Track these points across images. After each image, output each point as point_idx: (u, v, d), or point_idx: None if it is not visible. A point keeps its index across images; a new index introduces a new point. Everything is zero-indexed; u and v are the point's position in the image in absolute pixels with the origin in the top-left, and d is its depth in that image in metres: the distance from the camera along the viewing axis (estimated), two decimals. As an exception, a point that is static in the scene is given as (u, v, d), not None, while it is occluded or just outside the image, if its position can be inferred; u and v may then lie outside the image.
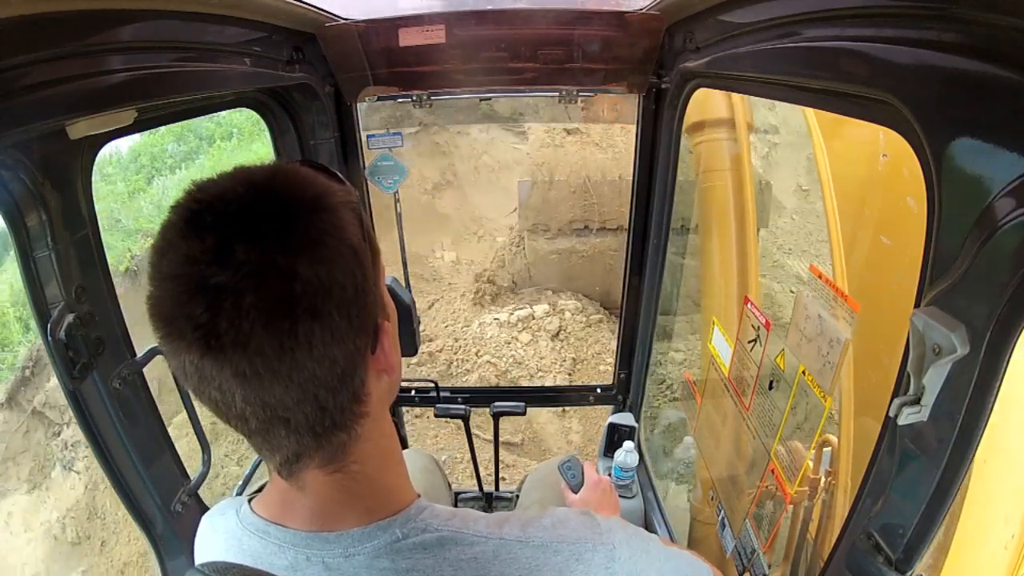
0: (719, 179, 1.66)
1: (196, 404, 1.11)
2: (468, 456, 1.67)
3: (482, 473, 1.77)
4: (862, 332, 1.02)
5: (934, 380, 0.52)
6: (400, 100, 1.46)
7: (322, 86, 1.34)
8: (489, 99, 1.53)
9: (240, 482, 1.28)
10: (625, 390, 1.85)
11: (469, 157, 7.70)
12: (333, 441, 0.48)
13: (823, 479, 1.55)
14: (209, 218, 0.42)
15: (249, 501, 0.55)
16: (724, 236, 1.64)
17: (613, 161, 5.33)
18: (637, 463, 1.63)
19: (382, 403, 0.52)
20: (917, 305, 0.55)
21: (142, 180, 8.55)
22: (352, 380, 0.47)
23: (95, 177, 0.86)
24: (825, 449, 1.08)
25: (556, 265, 5.48)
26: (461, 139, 7.65)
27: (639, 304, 1.67)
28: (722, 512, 1.36)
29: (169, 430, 1.04)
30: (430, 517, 0.51)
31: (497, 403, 1.61)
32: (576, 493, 1.09)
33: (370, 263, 0.48)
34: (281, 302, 0.41)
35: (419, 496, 0.54)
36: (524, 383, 4.68)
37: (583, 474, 1.12)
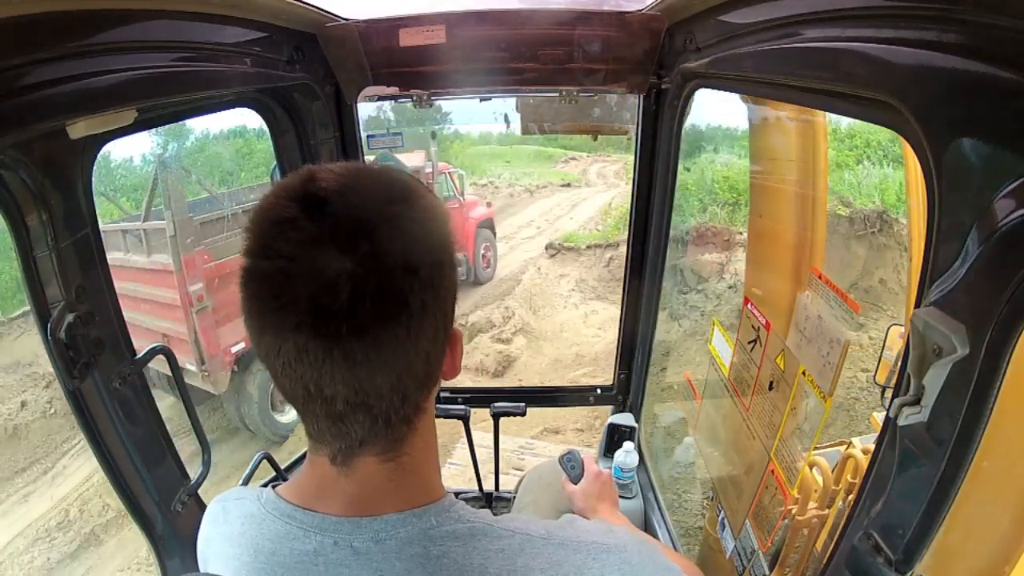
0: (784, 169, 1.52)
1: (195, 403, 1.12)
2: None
3: (480, 472, 1.77)
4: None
5: (934, 381, 0.52)
6: (400, 100, 1.46)
7: (322, 86, 1.34)
8: (489, 99, 1.52)
9: (240, 481, 1.27)
10: (625, 390, 1.85)
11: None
12: (396, 432, 0.50)
13: (843, 492, 1.53)
14: (336, 207, 0.44)
15: (273, 488, 0.56)
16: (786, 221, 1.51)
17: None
18: (637, 463, 1.63)
19: (434, 401, 0.55)
20: (917, 305, 0.55)
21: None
22: (431, 377, 0.51)
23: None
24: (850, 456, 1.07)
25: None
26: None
27: (639, 304, 1.67)
28: (722, 512, 1.36)
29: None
30: (462, 510, 0.53)
31: (497, 403, 1.61)
32: (575, 481, 1.09)
33: (457, 273, 0.52)
34: (401, 295, 0.44)
35: (448, 493, 0.56)
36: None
37: (583, 467, 1.11)
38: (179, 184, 4.91)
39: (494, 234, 9.00)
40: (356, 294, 0.42)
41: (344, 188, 0.45)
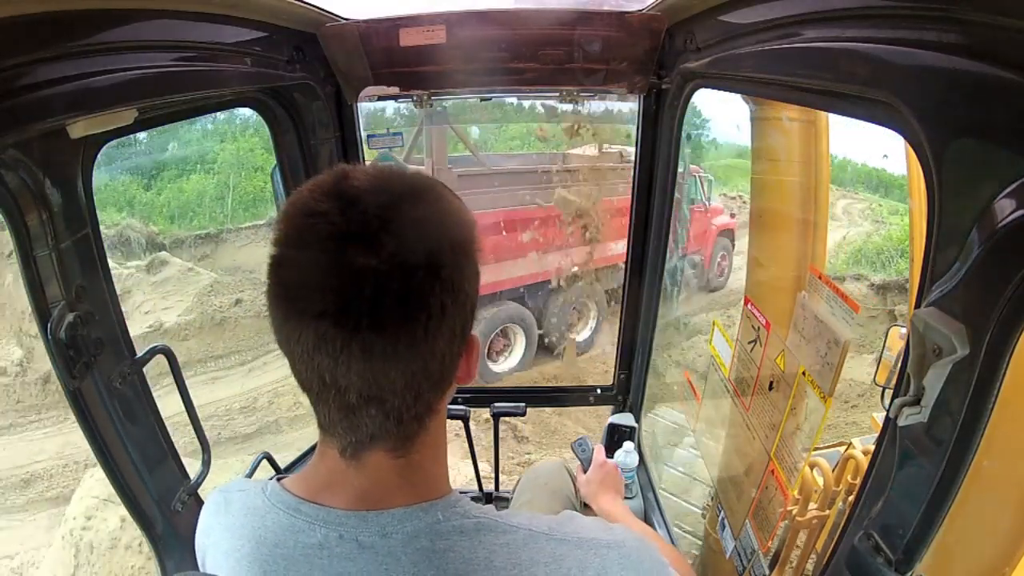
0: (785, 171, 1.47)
1: (197, 404, 1.12)
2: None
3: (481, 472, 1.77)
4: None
5: (934, 381, 0.52)
6: (401, 100, 1.46)
7: (322, 86, 1.34)
8: (490, 99, 1.52)
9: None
10: (625, 390, 1.85)
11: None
12: (407, 430, 0.51)
13: (843, 493, 1.52)
14: (367, 204, 0.45)
15: (278, 481, 0.56)
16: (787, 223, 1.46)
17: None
18: (637, 463, 1.63)
19: (447, 402, 0.57)
20: (918, 306, 0.55)
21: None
22: (445, 379, 0.52)
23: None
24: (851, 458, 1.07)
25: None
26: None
27: (639, 304, 1.67)
28: (722, 512, 1.36)
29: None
30: (467, 505, 0.54)
31: (497, 403, 1.61)
32: (586, 467, 1.22)
33: (478, 280, 0.53)
34: (421, 296, 0.46)
35: (454, 490, 0.56)
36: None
37: (592, 455, 1.23)
38: (443, 136, 5.16)
39: (732, 245, 8.86)
40: (379, 290, 0.44)
41: (375, 188, 0.47)
